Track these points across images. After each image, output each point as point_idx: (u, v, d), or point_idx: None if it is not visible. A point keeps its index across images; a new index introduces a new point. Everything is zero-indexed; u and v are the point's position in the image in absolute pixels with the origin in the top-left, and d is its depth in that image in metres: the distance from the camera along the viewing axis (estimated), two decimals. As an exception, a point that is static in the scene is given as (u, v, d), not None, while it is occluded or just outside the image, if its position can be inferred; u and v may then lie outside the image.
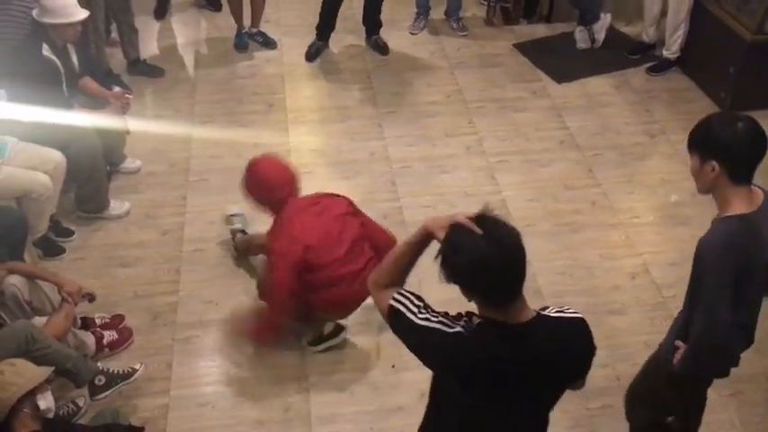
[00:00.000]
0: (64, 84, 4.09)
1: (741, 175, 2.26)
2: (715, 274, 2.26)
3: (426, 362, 2.02)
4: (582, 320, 2.01)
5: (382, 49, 5.85)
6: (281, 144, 4.91)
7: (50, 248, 4.07)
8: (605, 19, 5.87)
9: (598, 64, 5.77)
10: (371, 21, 5.86)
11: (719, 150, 2.23)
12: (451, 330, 1.92)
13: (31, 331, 3.01)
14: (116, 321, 3.70)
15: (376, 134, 5.03)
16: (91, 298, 3.43)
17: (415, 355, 2.02)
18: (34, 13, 4.01)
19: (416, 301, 2.00)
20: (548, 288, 3.96)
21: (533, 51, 5.91)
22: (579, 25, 5.95)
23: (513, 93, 5.48)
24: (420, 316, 1.96)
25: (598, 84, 5.60)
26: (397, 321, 2.00)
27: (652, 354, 2.79)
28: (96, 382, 3.22)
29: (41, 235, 3.99)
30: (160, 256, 4.13)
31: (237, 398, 3.46)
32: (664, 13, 5.57)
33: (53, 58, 4.00)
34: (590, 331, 2.02)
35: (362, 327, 3.73)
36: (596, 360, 2.05)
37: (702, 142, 2.28)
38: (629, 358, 3.50)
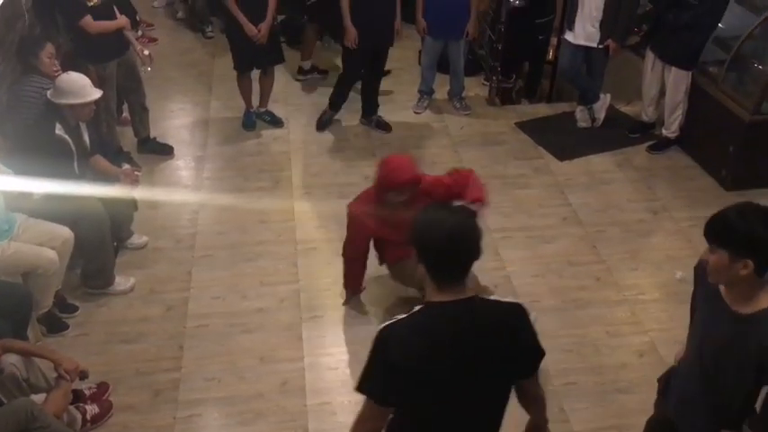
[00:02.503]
0: (75, 162, 4.17)
1: (766, 269, 2.26)
2: None
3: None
4: (521, 306, 2.17)
5: (385, 126, 5.98)
6: (287, 220, 4.96)
7: (54, 324, 4.06)
8: (605, 99, 6.01)
9: (599, 142, 5.88)
10: (370, 101, 6.00)
11: (756, 250, 2.20)
12: None
13: (32, 409, 2.98)
14: (102, 390, 3.68)
15: (381, 210, 5.07)
16: (83, 375, 3.40)
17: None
18: (48, 93, 4.13)
19: None
20: (554, 366, 3.90)
21: (535, 130, 6.03)
22: (580, 105, 6.09)
23: (515, 170, 5.56)
24: None
25: (599, 161, 5.68)
26: None
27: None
28: (93, 464, 3.16)
29: (46, 311, 3.98)
30: (164, 332, 4.11)
31: (238, 479, 3.38)
32: (662, 93, 5.70)
33: (65, 136, 4.09)
34: (529, 319, 2.17)
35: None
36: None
37: (736, 241, 2.21)
38: (639, 439, 3.42)
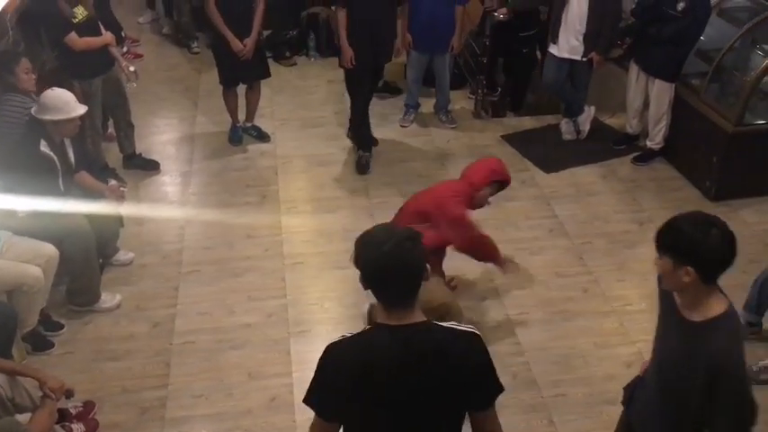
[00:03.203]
0: (60, 179, 4.14)
1: (714, 277, 2.27)
2: (744, 371, 2.27)
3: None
4: (474, 335, 2.09)
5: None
6: (274, 235, 4.95)
7: (39, 343, 4.02)
8: (589, 111, 6.06)
9: (584, 154, 5.91)
10: None
11: (696, 258, 2.20)
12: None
13: (17, 429, 2.94)
14: (88, 409, 3.64)
15: (368, 224, 4.99)
16: (69, 394, 3.36)
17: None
18: (33, 110, 4.11)
19: None
20: (543, 377, 3.91)
21: (521, 142, 6.06)
22: (565, 117, 6.13)
23: (502, 182, 5.57)
24: None
25: (585, 173, 5.71)
26: None
27: None
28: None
29: (31, 329, 3.94)
30: (150, 349, 4.08)
31: (227, 497, 3.35)
32: (646, 105, 5.75)
33: (50, 153, 4.07)
34: (484, 349, 2.09)
35: None
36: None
37: (677, 248, 2.24)
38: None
